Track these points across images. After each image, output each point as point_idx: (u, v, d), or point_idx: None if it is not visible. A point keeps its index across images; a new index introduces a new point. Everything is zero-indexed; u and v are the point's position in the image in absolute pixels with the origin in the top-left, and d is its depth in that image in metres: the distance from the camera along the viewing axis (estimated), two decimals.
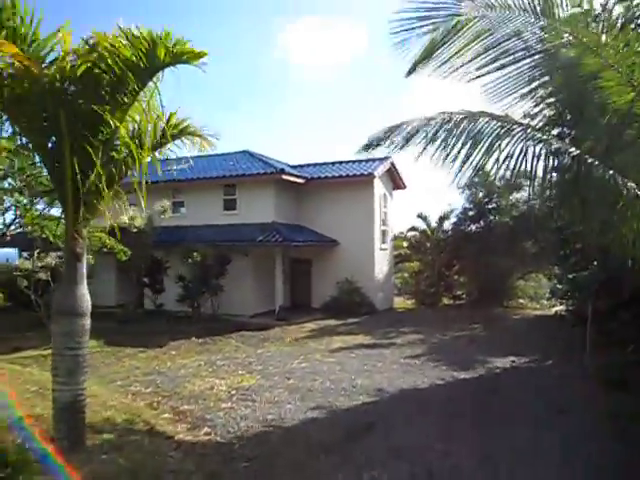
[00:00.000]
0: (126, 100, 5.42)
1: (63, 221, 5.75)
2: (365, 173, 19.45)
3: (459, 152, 4.91)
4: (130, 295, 18.75)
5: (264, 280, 18.64)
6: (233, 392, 8.42)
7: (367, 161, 21.10)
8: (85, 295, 5.60)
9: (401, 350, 12.36)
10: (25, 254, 15.65)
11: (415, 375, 9.73)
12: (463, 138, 4.87)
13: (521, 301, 23.42)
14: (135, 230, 16.81)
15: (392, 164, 21.44)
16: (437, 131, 5.04)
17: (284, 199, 19.72)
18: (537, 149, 4.82)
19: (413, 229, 25.79)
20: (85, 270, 5.61)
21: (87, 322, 5.59)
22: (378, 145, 5.70)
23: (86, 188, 5.42)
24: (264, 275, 18.67)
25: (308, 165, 22.35)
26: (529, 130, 5.06)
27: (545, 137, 5.05)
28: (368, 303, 19.27)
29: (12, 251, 17.69)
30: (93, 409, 6.66)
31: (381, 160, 20.79)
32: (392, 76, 48.85)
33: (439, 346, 13.04)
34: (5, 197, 12.59)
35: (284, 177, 18.54)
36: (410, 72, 5.92)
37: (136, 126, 5.89)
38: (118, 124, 5.34)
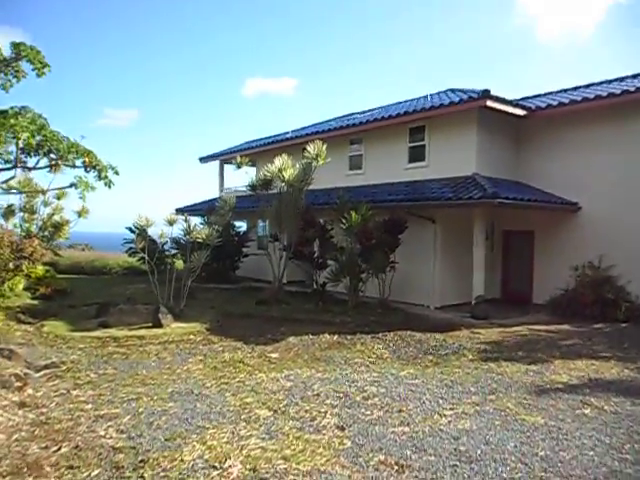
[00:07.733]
0: None
1: None
2: (631, 89, 11.79)
3: None
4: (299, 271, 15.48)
5: (461, 259, 12.98)
6: None
7: (635, 76, 13.25)
8: None
9: None
10: None
11: None
12: None
13: None
14: (282, 184, 13.10)
15: None
16: None
17: (493, 142, 13.52)
18: None
19: None
20: None
21: None
22: None
23: None
24: (461, 252, 12.99)
25: (533, 97, 15.37)
26: None
27: None
28: (628, 302, 11.81)
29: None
30: None
31: None
32: None
33: None
34: None
35: (490, 104, 12.29)
36: None
37: None
38: None
